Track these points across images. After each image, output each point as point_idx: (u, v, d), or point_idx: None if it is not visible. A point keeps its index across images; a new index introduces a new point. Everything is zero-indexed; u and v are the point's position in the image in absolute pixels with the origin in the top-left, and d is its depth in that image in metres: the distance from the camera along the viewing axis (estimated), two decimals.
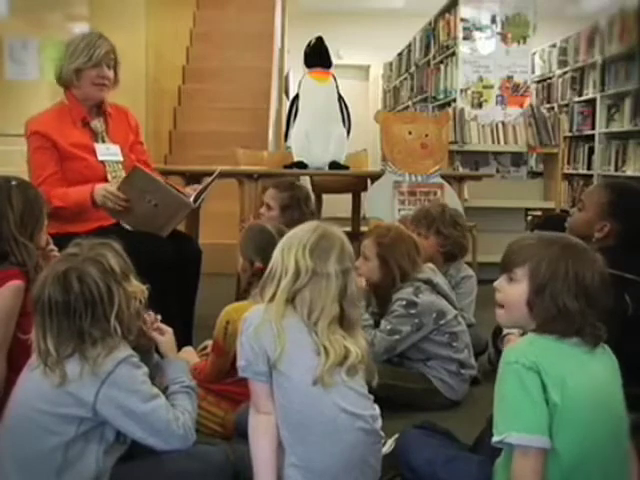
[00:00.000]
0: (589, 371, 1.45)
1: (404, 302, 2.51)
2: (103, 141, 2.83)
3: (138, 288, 1.69)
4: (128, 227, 2.76)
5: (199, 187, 2.92)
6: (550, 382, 1.39)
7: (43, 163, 2.70)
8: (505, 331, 2.69)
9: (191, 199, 2.77)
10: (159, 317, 1.86)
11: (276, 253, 1.67)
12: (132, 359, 1.61)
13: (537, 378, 1.39)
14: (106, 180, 2.76)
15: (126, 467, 1.65)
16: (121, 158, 2.83)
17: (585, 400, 1.41)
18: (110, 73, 2.78)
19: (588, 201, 2.32)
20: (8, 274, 1.90)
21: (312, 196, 3.27)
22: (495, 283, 1.57)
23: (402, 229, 2.67)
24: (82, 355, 1.56)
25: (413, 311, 2.51)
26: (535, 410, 1.39)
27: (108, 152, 2.81)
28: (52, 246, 2.12)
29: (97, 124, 2.84)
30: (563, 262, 1.46)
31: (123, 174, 2.78)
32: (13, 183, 2.00)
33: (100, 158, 2.77)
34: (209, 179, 2.93)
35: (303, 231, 1.67)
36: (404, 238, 2.61)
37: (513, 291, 1.52)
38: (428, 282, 2.58)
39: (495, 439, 1.42)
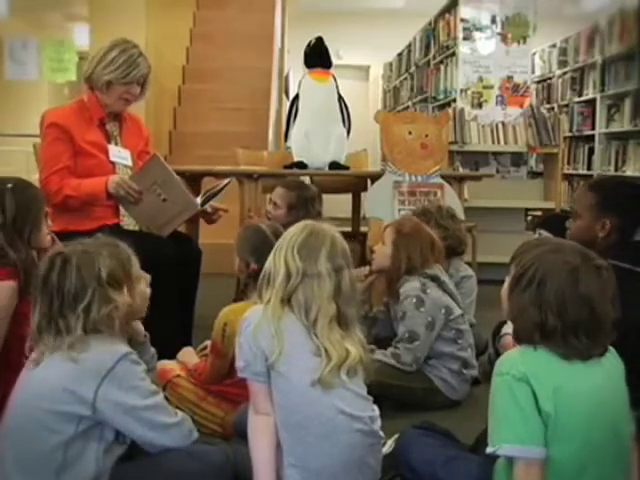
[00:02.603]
0: (586, 379, 1.44)
1: (414, 299, 2.53)
2: (116, 144, 2.86)
3: (124, 300, 1.66)
4: (130, 226, 2.78)
5: (207, 189, 2.95)
6: (542, 392, 1.39)
7: (58, 154, 2.72)
8: (502, 332, 2.70)
9: (198, 201, 2.80)
10: None
11: (270, 255, 1.68)
12: (131, 356, 1.61)
13: (528, 389, 1.39)
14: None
15: (126, 467, 1.64)
16: (130, 163, 2.86)
17: (581, 408, 1.41)
18: (138, 90, 2.81)
19: (579, 207, 2.33)
20: (2, 272, 1.91)
21: (320, 197, 3.28)
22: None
23: (423, 226, 2.71)
24: (66, 344, 1.57)
25: (423, 309, 2.53)
26: (526, 421, 1.39)
27: (119, 155, 2.84)
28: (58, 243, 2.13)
29: (112, 127, 2.88)
30: (533, 267, 1.46)
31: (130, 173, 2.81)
32: (9, 186, 2.01)
33: (112, 158, 2.80)
34: (218, 186, 2.93)
35: (292, 231, 1.67)
36: (422, 233, 2.65)
37: (504, 287, 1.56)
38: (435, 279, 2.60)
39: (488, 450, 1.43)
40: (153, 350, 1.86)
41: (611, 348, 1.51)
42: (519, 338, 1.49)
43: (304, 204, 3.13)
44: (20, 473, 1.57)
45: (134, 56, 2.76)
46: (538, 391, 1.39)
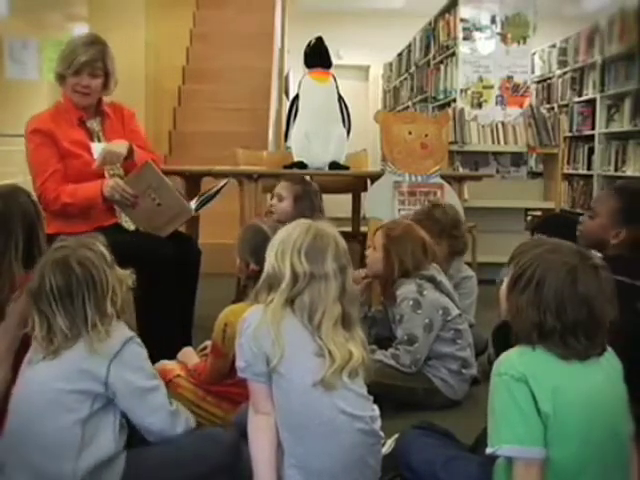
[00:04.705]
0: (585, 379, 1.44)
1: (411, 302, 2.53)
2: (99, 140, 2.83)
3: (125, 274, 1.76)
4: (128, 226, 2.78)
5: (202, 192, 2.93)
6: (540, 393, 1.39)
7: (46, 159, 2.70)
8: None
9: (193, 206, 2.79)
10: None
11: (270, 257, 1.66)
12: (136, 339, 1.70)
13: (526, 389, 1.39)
14: (103, 178, 2.75)
15: (136, 451, 1.69)
16: None
17: (580, 408, 1.41)
18: (93, 82, 2.74)
19: (600, 208, 2.28)
20: (28, 278, 1.93)
21: (320, 194, 3.29)
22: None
23: (414, 227, 2.69)
24: (88, 336, 1.64)
25: (420, 311, 2.52)
26: (526, 421, 1.39)
27: None
28: None
29: (93, 123, 2.85)
30: (532, 267, 1.47)
31: (121, 172, 2.80)
32: (33, 198, 2.09)
33: (95, 156, 2.76)
34: (214, 189, 2.92)
35: (296, 233, 1.66)
36: (412, 236, 2.63)
37: (502, 287, 1.56)
38: (431, 280, 2.59)
39: (488, 451, 1.43)
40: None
41: (610, 351, 1.51)
42: (518, 338, 1.49)
43: (309, 196, 3.14)
44: (41, 455, 1.61)
45: (79, 45, 2.72)
46: (537, 392, 1.39)
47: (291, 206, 3.10)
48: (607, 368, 1.49)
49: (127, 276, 1.76)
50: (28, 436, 1.62)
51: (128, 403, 1.66)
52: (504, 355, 1.50)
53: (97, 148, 2.77)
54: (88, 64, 2.71)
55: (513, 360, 1.45)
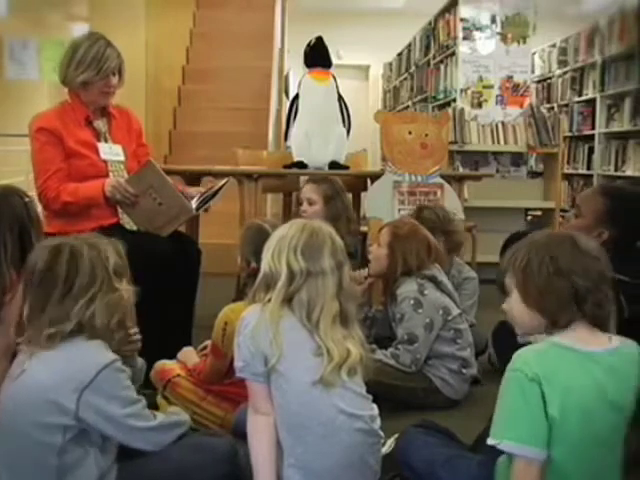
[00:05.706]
0: (598, 381, 1.42)
1: (412, 301, 2.53)
2: (105, 141, 2.83)
3: (126, 288, 1.66)
4: (130, 226, 2.78)
5: (202, 191, 2.93)
6: (551, 395, 1.38)
7: (50, 158, 2.69)
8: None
9: (193, 205, 2.79)
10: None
11: (266, 257, 1.66)
12: (116, 364, 1.57)
13: (538, 390, 1.39)
14: (106, 177, 2.76)
15: (132, 464, 1.65)
16: (123, 158, 2.84)
17: (589, 414, 1.40)
18: (116, 79, 2.78)
19: (585, 208, 2.29)
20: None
21: None
22: (502, 306, 1.57)
23: (420, 227, 2.69)
24: (40, 339, 1.55)
25: (421, 310, 2.53)
26: (532, 421, 1.38)
27: (111, 152, 2.82)
28: None
29: (100, 124, 2.84)
30: (534, 250, 1.48)
31: (125, 174, 2.80)
32: (27, 200, 2.05)
33: (103, 157, 2.77)
34: (214, 188, 2.92)
35: (291, 232, 1.66)
36: (418, 236, 2.64)
37: (512, 302, 1.53)
38: (432, 279, 2.59)
39: (489, 441, 1.43)
40: (141, 361, 1.85)
41: (633, 343, 1.51)
42: (555, 322, 1.46)
43: (338, 194, 3.13)
44: None
45: (102, 49, 2.72)
46: (548, 394, 1.38)
47: (322, 208, 3.09)
48: (623, 363, 1.47)
49: (126, 290, 1.66)
50: (2, 460, 1.57)
51: (106, 430, 1.56)
52: (522, 351, 1.47)
53: (104, 148, 2.78)
54: (115, 66, 2.75)
55: (529, 358, 1.43)
